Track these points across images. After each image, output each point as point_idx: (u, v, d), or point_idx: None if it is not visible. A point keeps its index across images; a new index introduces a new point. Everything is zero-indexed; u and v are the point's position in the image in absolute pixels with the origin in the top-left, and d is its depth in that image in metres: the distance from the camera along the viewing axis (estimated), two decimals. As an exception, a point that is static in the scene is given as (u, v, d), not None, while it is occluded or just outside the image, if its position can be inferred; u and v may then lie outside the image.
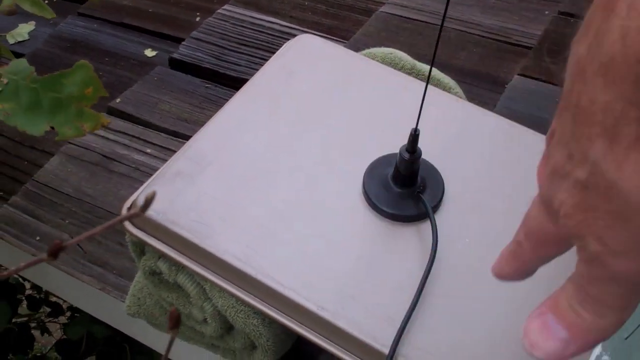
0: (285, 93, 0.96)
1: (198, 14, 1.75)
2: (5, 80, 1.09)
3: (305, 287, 0.78)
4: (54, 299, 2.52)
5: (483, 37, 1.52)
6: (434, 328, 0.76)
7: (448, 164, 0.89)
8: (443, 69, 1.09)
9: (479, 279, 0.80)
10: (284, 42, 1.04)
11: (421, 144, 0.80)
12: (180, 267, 0.85)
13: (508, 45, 1.51)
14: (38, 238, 1.19)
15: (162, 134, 1.37)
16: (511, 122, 0.96)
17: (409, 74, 1.04)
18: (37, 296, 2.52)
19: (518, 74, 1.43)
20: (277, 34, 1.60)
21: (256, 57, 1.54)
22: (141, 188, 0.87)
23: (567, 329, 0.43)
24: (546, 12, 1.60)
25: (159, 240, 0.84)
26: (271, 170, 0.88)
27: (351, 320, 0.76)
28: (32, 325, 2.56)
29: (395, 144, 0.82)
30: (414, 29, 1.56)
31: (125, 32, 1.72)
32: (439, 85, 1.03)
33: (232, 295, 0.81)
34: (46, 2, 1.75)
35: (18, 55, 1.63)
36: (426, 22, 1.58)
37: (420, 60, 1.09)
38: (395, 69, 1.03)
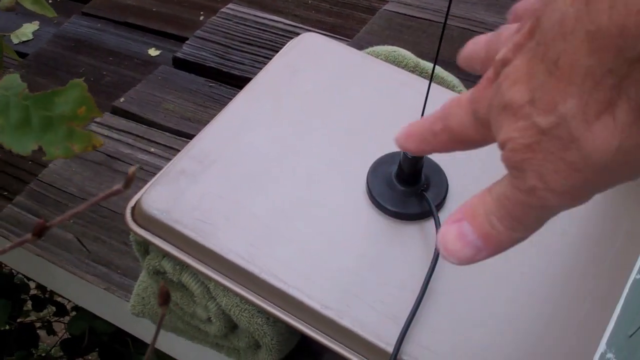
0: (288, 92, 0.96)
1: (202, 13, 1.75)
2: None
3: (309, 286, 0.78)
4: (58, 298, 2.52)
5: (487, 35, 1.52)
6: (438, 326, 0.76)
7: (452, 162, 0.88)
8: (446, 66, 1.08)
9: (482, 277, 0.80)
10: (288, 41, 1.04)
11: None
12: (184, 266, 0.85)
13: None
14: (43, 238, 1.19)
15: (166, 133, 1.37)
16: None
17: (413, 72, 1.04)
18: (42, 296, 2.52)
19: (522, 72, 1.43)
20: (280, 33, 1.60)
21: (260, 55, 1.54)
22: (145, 187, 0.87)
23: (482, 239, 0.48)
24: (550, 10, 1.59)
25: (163, 239, 0.84)
26: (275, 169, 0.88)
27: (355, 319, 0.76)
28: (38, 325, 2.56)
29: (399, 142, 0.82)
30: (418, 27, 1.56)
31: (129, 31, 1.73)
32: (443, 83, 1.03)
33: (236, 294, 0.81)
34: (50, 1, 1.76)
35: (22, 55, 1.63)
36: (430, 20, 1.58)
37: (423, 58, 1.08)
38: (398, 67, 1.03)
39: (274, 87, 0.96)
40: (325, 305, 0.77)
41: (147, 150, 1.33)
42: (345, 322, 0.76)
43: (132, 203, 0.87)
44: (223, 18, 1.65)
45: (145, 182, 0.89)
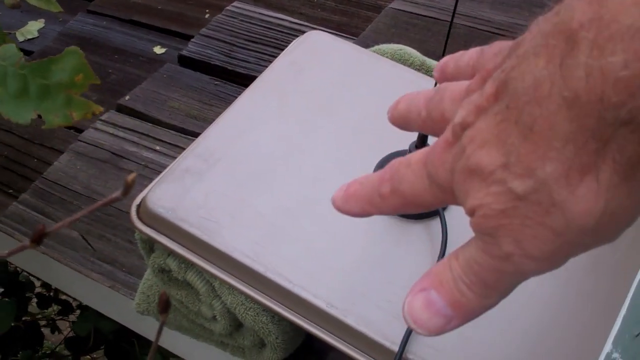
0: (294, 90, 0.96)
1: (207, 11, 1.75)
2: None
3: (314, 285, 0.78)
4: (63, 296, 2.52)
5: (493, 33, 1.52)
6: (443, 325, 0.76)
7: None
8: (452, 65, 1.08)
9: (488, 276, 0.80)
10: (293, 39, 1.04)
11: (430, 140, 0.80)
12: (189, 264, 0.85)
13: (513, 41, 1.50)
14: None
15: (171, 131, 1.37)
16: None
17: (419, 70, 1.04)
18: (47, 294, 2.52)
19: (528, 71, 1.43)
20: (286, 31, 1.60)
21: (265, 54, 1.54)
22: (150, 185, 0.87)
23: (452, 307, 0.46)
24: (556, 8, 1.59)
25: (168, 237, 0.84)
26: (280, 167, 0.87)
27: (360, 318, 0.76)
28: (42, 323, 2.56)
29: (405, 140, 0.82)
30: (424, 25, 1.56)
31: (134, 29, 1.73)
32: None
33: (242, 292, 0.81)
34: (55, -1, 1.75)
35: (27, 52, 1.63)
36: (436, 18, 1.57)
37: (429, 56, 1.08)
38: (404, 65, 1.03)
39: (280, 85, 0.96)
40: (331, 304, 0.76)
41: (152, 148, 1.33)
42: (351, 320, 0.76)
43: (137, 201, 0.87)
44: (228, 16, 1.65)
45: (151, 180, 0.89)
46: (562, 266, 0.77)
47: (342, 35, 1.56)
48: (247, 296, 0.81)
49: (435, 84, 0.75)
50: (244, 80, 1.46)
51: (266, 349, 0.88)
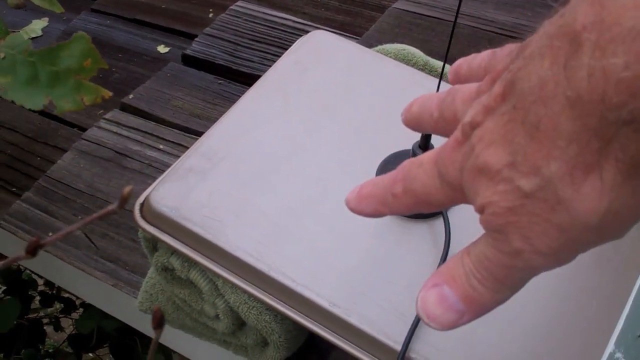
0: (297, 89, 0.96)
1: (211, 10, 1.75)
2: (2, 55, 1.08)
3: (317, 284, 0.78)
4: (66, 295, 2.53)
5: (496, 33, 1.52)
6: (446, 325, 0.76)
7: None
8: (456, 65, 1.08)
9: (491, 276, 0.80)
10: (297, 39, 1.04)
11: (434, 140, 0.80)
12: (192, 263, 0.85)
13: (521, 42, 1.50)
14: (51, 234, 1.20)
15: (174, 130, 1.37)
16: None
17: (422, 70, 1.04)
18: (50, 292, 2.53)
19: (531, 71, 1.43)
20: (290, 30, 1.60)
21: (269, 53, 1.54)
22: (154, 184, 0.87)
23: (464, 302, 0.47)
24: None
25: (171, 236, 0.84)
26: (283, 167, 0.88)
27: (363, 317, 0.76)
28: (45, 321, 2.57)
29: (408, 140, 0.82)
30: (427, 25, 1.56)
31: (138, 28, 1.73)
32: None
33: (245, 291, 0.81)
34: (59, -2, 1.76)
35: (31, 51, 1.63)
36: (439, 18, 1.57)
37: (433, 56, 1.08)
38: (408, 65, 1.03)
39: (283, 85, 0.96)
40: (333, 303, 0.77)
41: (155, 147, 1.33)
42: (353, 319, 0.76)
43: (140, 200, 0.87)
44: (232, 15, 1.65)
45: (154, 179, 0.89)
46: (566, 265, 0.77)
47: (345, 35, 1.56)
48: (250, 295, 0.81)
49: (439, 84, 0.75)
50: (248, 80, 1.46)
51: (269, 348, 0.88)
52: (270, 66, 1.00)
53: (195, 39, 1.60)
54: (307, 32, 1.07)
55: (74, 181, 1.28)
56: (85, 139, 1.35)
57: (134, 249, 1.17)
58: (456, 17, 0.74)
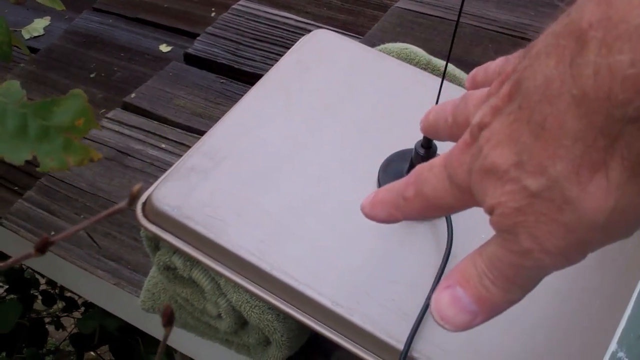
0: (300, 88, 0.96)
1: (213, 9, 1.76)
2: None
3: (319, 283, 0.78)
4: (68, 294, 2.53)
5: (498, 32, 1.52)
6: (448, 324, 0.76)
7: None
8: (458, 64, 1.08)
9: (494, 275, 0.80)
10: (299, 38, 1.04)
11: (440, 143, 0.80)
12: (194, 262, 0.85)
13: (524, 41, 1.50)
14: (53, 233, 1.20)
15: (176, 129, 1.37)
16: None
17: (425, 69, 1.04)
18: (52, 291, 2.53)
19: (533, 70, 1.43)
20: (292, 29, 1.60)
21: (271, 52, 1.54)
22: (156, 183, 0.87)
23: (477, 303, 0.48)
24: (562, 8, 1.59)
25: (173, 235, 0.84)
26: (286, 166, 0.88)
27: (365, 316, 0.76)
28: (47, 320, 2.57)
29: (411, 139, 0.82)
30: (429, 24, 1.56)
31: (140, 27, 1.73)
32: (455, 80, 1.03)
33: (247, 290, 0.81)
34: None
35: (33, 50, 1.63)
36: (441, 17, 1.57)
37: (435, 55, 1.08)
38: (410, 64, 1.03)
39: (286, 84, 0.96)
40: (336, 302, 0.77)
41: (157, 146, 1.33)
42: (356, 319, 0.76)
43: (143, 199, 0.87)
44: (234, 14, 1.65)
45: (156, 178, 0.89)
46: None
47: (348, 34, 1.56)
48: (253, 294, 0.81)
49: (441, 83, 0.75)
50: (250, 79, 1.46)
51: (271, 347, 0.88)
52: (272, 65, 1.00)
53: (198, 38, 1.60)
54: (310, 31, 1.07)
55: (76, 180, 1.28)
56: (87, 138, 1.35)
57: (136, 248, 1.17)
58: (459, 16, 0.73)
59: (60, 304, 2.61)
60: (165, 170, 0.89)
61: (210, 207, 0.83)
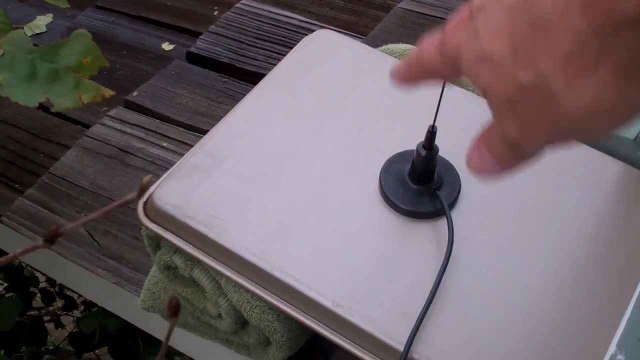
0: (302, 88, 0.96)
1: (216, 8, 1.75)
2: (1, 51, 1.07)
3: (320, 283, 0.78)
4: (68, 292, 2.52)
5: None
6: (449, 325, 0.76)
7: (465, 161, 0.88)
8: (460, 65, 1.08)
9: (494, 277, 0.80)
10: (302, 37, 1.04)
11: (438, 140, 0.80)
12: (195, 261, 0.85)
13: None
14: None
15: (178, 127, 1.37)
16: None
17: (427, 70, 1.03)
18: (51, 289, 2.53)
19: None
20: (294, 29, 1.59)
21: (274, 51, 1.54)
22: (158, 182, 0.87)
23: (497, 160, 0.51)
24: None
25: (174, 234, 0.84)
26: (288, 166, 0.87)
27: (366, 317, 0.76)
28: (46, 319, 2.56)
29: (412, 140, 0.82)
30: (432, 25, 1.56)
31: (143, 25, 1.73)
32: (456, 82, 1.03)
33: (248, 290, 0.81)
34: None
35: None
36: (443, 18, 1.57)
37: (437, 56, 1.08)
38: (413, 65, 1.03)
39: (288, 84, 0.96)
40: (336, 303, 0.77)
41: (159, 145, 1.33)
42: (356, 319, 0.76)
43: (144, 198, 0.87)
44: (237, 13, 1.65)
45: (158, 176, 0.89)
46: (567, 268, 0.77)
47: (350, 34, 1.56)
48: (253, 294, 0.81)
49: (443, 84, 0.75)
50: (253, 78, 1.45)
51: (271, 347, 0.88)
52: (275, 65, 1.00)
53: (200, 36, 1.60)
54: (312, 30, 1.07)
55: (77, 178, 1.28)
56: (88, 136, 1.35)
57: (136, 247, 1.17)
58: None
59: (59, 303, 2.60)
60: (167, 169, 0.89)
61: (212, 207, 0.83)
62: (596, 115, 0.42)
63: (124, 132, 1.36)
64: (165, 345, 0.42)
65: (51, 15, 1.79)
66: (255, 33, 1.59)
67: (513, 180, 0.88)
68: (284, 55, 1.01)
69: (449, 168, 0.87)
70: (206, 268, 0.84)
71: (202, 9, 1.76)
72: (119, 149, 1.33)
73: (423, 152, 0.81)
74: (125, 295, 1.13)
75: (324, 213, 0.84)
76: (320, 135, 0.91)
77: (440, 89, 0.75)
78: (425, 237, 0.82)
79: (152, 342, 2.15)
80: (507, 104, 0.45)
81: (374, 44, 1.15)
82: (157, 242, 0.89)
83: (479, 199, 0.86)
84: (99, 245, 1.17)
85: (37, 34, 1.75)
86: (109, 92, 1.06)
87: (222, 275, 0.82)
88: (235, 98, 1.43)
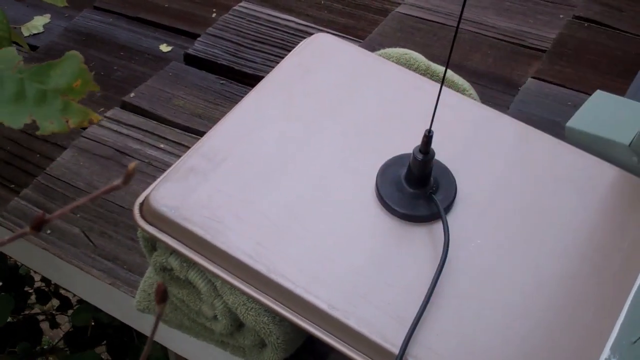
0: (300, 91, 0.96)
1: (214, 10, 1.75)
2: None
3: (316, 286, 0.78)
4: (63, 291, 2.52)
5: (497, 39, 1.52)
6: (444, 328, 0.76)
7: (461, 165, 0.89)
8: (457, 70, 1.08)
9: (490, 281, 0.80)
10: (300, 40, 1.04)
11: (434, 145, 0.80)
12: (191, 263, 0.85)
13: (522, 48, 1.51)
14: (49, 232, 1.20)
15: (175, 129, 1.37)
16: (524, 124, 0.96)
17: (424, 74, 1.04)
18: (46, 289, 2.53)
19: (532, 77, 1.43)
20: (292, 32, 1.60)
21: (272, 54, 1.54)
22: (154, 184, 0.87)
23: None
24: (561, 16, 1.59)
25: (170, 236, 0.84)
26: (284, 168, 0.88)
27: (362, 319, 0.76)
28: (41, 318, 2.56)
29: (409, 144, 0.82)
30: (429, 29, 1.56)
31: (140, 26, 1.73)
32: (454, 86, 1.03)
33: (243, 292, 0.82)
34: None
35: (32, 47, 1.63)
36: (441, 23, 1.58)
37: (434, 61, 1.08)
38: (410, 69, 1.03)
39: (286, 86, 0.96)
40: (332, 306, 0.77)
41: (156, 146, 1.33)
42: (352, 322, 0.76)
43: (140, 199, 0.87)
44: (235, 16, 1.65)
45: (154, 178, 0.89)
46: (562, 272, 0.78)
47: (348, 38, 1.56)
48: (249, 296, 0.81)
49: (440, 89, 0.75)
50: (251, 80, 1.46)
51: (267, 350, 0.88)
52: (272, 67, 1.00)
53: (198, 38, 1.60)
54: (310, 34, 1.07)
55: (73, 179, 1.28)
56: (85, 137, 1.35)
57: (132, 248, 1.17)
58: (458, 22, 0.74)
59: (54, 302, 2.60)
60: (164, 170, 0.89)
61: (208, 209, 0.84)
62: None
63: (120, 133, 1.36)
64: (153, 333, 0.42)
65: (49, 15, 1.79)
66: (253, 36, 1.59)
67: (509, 184, 0.88)
68: (282, 58, 1.01)
69: (445, 172, 0.87)
70: (202, 270, 0.84)
71: (200, 11, 1.76)
72: (115, 150, 1.33)
73: (419, 156, 0.81)
74: (121, 296, 1.13)
75: (321, 216, 0.84)
76: (318, 138, 0.91)
77: (437, 93, 0.75)
78: (421, 240, 0.83)
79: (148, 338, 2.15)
80: None
81: (372, 48, 1.15)
82: (153, 243, 0.89)
83: (474, 203, 0.87)
84: (95, 245, 1.17)
85: (34, 34, 1.75)
86: (97, 117, 1.05)
87: (218, 277, 0.83)
88: (232, 100, 1.43)
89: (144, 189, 0.88)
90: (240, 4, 1.69)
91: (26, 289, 2.42)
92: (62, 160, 1.32)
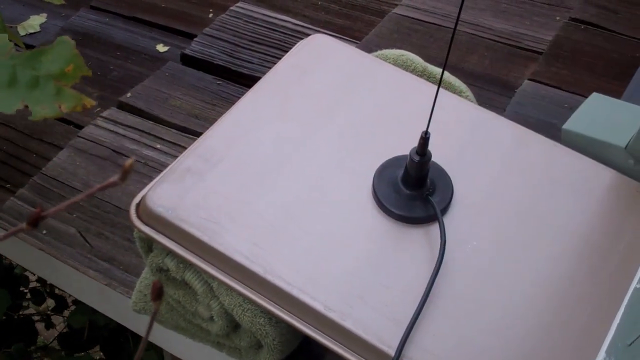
0: (297, 92, 0.96)
1: (211, 10, 1.75)
2: None
3: (312, 287, 0.78)
4: (59, 292, 2.52)
5: (494, 41, 1.52)
6: (440, 330, 0.76)
7: (457, 167, 0.89)
8: (453, 71, 1.08)
9: (486, 282, 0.80)
10: (297, 41, 1.04)
11: (431, 146, 0.80)
12: (187, 264, 0.85)
13: (519, 50, 1.51)
14: (45, 232, 1.19)
15: (172, 129, 1.37)
16: (521, 126, 0.96)
17: (420, 76, 1.04)
18: (42, 289, 2.52)
19: (528, 79, 1.43)
20: (289, 33, 1.60)
21: (269, 55, 1.54)
22: (151, 184, 0.87)
23: None
24: (557, 18, 1.60)
25: (167, 237, 0.84)
26: (281, 169, 0.88)
27: (358, 321, 0.76)
28: (36, 318, 2.56)
29: (406, 146, 0.82)
30: (426, 31, 1.56)
31: (137, 26, 1.72)
32: (450, 88, 1.03)
33: (239, 293, 0.81)
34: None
35: (29, 47, 1.63)
36: (438, 24, 1.58)
37: (430, 62, 1.09)
38: (406, 71, 1.03)
39: (283, 87, 0.96)
40: (329, 307, 0.77)
41: (152, 147, 1.33)
42: (348, 324, 0.76)
43: (137, 200, 0.87)
44: (232, 16, 1.65)
45: (151, 178, 0.89)
46: (558, 274, 0.78)
47: (345, 39, 1.56)
48: (245, 297, 0.81)
49: (437, 91, 0.75)
50: (247, 81, 1.46)
51: (263, 351, 0.88)
52: (269, 68, 1.00)
53: (195, 38, 1.60)
54: (307, 34, 1.07)
55: (69, 179, 1.28)
56: (81, 137, 1.35)
57: (128, 249, 1.17)
58: (456, 24, 0.74)
59: (50, 302, 2.60)
60: (160, 170, 0.89)
61: (205, 210, 0.84)
62: None
63: (117, 133, 1.36)
64: (148, 331, 0.42)
65: (45, 15, 1.79)
66: (250, 36, 1.59)
67: (505, 186, 0.88)
68: (279, 58, 1.01)
69: (442, 174, 0.87)
70: (198, 271, 0.84)
71: (197, 11, 1.76)
72: (111, 150, 1.33)
73: (416, 158, 0.81)
74: (117, 297, 1.13)
75: (317, 217, 0.84)
76: (314, 139, 0.91)
77: (434, 95, 0.75)
78: (418, 241, 0.83)
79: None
80: None
81: (369, 49, 1.15)
82: (150, 244, 0.89)
83: (471, 204, 0.87)
84: (91, 246, 1.17)
85: (30, 33, 1.74)
86: (90, 102, 1.04)
87: (214, 278, 0.82)
88: (229, 101, 1.43)
89: (140, 190, 0.88)
90: (237, 4, 1.69)
91: (21, 289, 2.42)
92: (59, 160, 1.32)
